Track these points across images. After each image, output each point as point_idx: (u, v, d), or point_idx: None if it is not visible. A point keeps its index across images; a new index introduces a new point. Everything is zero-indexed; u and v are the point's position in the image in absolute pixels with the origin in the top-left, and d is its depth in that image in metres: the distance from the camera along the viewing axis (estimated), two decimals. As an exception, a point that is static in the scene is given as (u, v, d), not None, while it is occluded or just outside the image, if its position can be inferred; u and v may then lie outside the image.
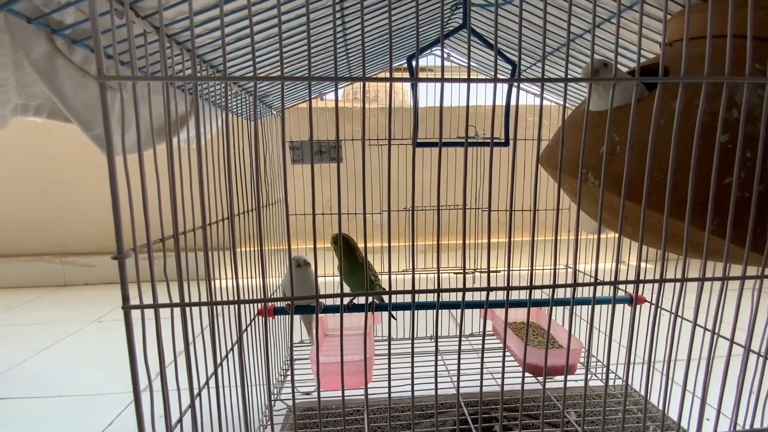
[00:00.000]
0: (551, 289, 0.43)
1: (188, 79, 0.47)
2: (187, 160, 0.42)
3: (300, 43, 0.70)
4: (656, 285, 0.49)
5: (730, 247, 0.41)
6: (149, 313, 0.34)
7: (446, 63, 1.08)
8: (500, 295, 0.89)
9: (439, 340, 0.73)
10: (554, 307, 0.78)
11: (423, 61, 1.16)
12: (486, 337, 0.43)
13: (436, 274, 0.42)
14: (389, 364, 0.43)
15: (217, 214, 0.53)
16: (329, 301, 0.68)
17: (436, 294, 0.41)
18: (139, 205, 0.32)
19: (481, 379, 0.43)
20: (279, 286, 0.88)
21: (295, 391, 0.88)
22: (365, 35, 0.75)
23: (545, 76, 0.37)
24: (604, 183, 0.40)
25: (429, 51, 0.94)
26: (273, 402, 0.84)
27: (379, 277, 0.86)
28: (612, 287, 0.42)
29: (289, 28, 0.63)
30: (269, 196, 0.90)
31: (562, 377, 0.74)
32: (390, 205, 0.41)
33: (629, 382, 0.68)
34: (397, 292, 0.42)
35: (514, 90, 0.46)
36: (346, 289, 0.79)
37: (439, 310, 0.43)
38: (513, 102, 0.74)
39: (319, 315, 0.70)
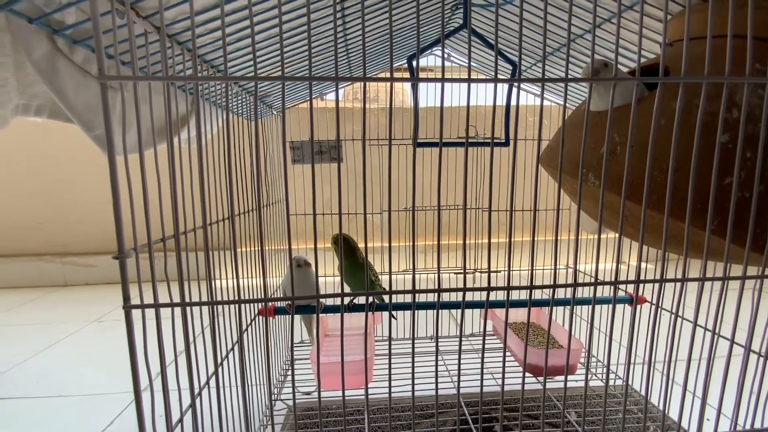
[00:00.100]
0: (551, 289, 0.43)
1: (189, 79, 0.48)
2: (187, 160, 0.42)
3: (301, 43, 0.70)
4: (656, 285, 0.49)
5: (730, 247, 0.41)
6: (150, 312, 0.34)
7: (447, 63, 1.08)
8: (500, 295, 0.89)
9: (439, 340, 0.73)
10: (554, 307, 0.78)
11: (423, 61, 1.16)
12: (486, 337, 0.43)
13: (436, 274, 0.42)
14: (389, 364, 0.43)
15: (218, 214, 0.53)
16: (330, 301, 0.68)
17: (436, 294, 0.41)
18: (139, 205, 0.32)
19: (482, 379, 0.43)
20: (279, 286, 0.88)
21: (296, 391, 0.88)
22: (366, 35, 0.75)
23: (545, 77, 0.37)
24: (605, 183, 0.40)
25: (429, 51, 0.95)
26: (273, 402, 0.84)
27: (380, 277, 0.86)
28: (612, 287, 0.42)
29: (290, 28, 0.63)
30: (270, 196, 0.90)
31: (562, 377, 0.74)
32: (390, 205, 0.41)
33: (629, 383, 0.68)
34: (397, 292, 0.42)
35: (515, 90, 0.46)
36: (347, 289, 0.79)
37: (440, 310, 0.43)
38: (513, 102, 0.74)
39: (320, 315, 0.70)
